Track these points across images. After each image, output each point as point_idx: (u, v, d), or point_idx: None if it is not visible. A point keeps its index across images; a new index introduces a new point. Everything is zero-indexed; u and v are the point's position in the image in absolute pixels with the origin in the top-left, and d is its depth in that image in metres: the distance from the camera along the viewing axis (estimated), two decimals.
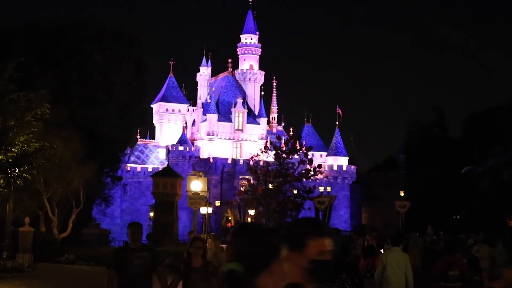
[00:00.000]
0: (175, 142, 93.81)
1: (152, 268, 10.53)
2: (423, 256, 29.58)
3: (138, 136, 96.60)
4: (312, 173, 79.96)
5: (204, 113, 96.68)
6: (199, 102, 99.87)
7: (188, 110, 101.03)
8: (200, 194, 36.36)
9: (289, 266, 3.48)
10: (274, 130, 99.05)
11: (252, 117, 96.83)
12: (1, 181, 28.04)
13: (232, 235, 3.54)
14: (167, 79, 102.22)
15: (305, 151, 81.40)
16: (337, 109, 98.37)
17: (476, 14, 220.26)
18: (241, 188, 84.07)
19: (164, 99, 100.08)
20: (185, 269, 10.57)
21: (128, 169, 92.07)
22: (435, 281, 15.05)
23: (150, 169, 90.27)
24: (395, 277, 14.04)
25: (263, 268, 3.37)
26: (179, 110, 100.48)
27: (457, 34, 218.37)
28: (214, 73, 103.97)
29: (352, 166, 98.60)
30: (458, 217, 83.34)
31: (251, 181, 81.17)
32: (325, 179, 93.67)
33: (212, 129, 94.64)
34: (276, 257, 3.39)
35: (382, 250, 18.64)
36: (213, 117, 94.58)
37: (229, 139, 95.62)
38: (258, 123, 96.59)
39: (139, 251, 10.51)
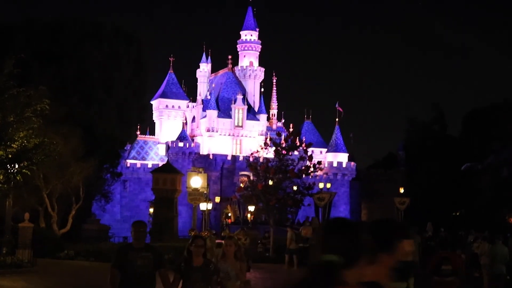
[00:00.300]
0: (175, 139, 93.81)
1: (155, 269, 10.14)
2: (421, 252, 29.67)
3: (138, 133, 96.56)
4: (312, 169, 79.81)
5: (204, 110, 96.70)
6: (199, 98, 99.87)
7: (188, 107, 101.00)
8: (200, 190, 36.45)
9: (377, 266, 3.58)
10: (274, 127, 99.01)
11: (252, 114, 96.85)
12: (1, 177, 28.07)
13: (325, 229, 3.62)
14: (167, 76, 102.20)
15: (305, 148, 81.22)
16: (337, 106, 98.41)
17: (474, 12, 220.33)
18: (241, 185, 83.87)
19: (164, 95, 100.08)
20: (186, 268, 10.30)
21: (128, 165, 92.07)
22: (429, 275, 15.61)
23: (149, 165, 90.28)
24: None
25: (355, 262, 3.48)
26: (179, 107, 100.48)
27: (456, 32, 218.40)
28: (214, 70, 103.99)
29: (352, 163, 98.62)
30: (457, 214, 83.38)
31: (251, 178, 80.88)
32: (325, 175, 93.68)
33: (212, 125, 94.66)
34: (366, 253, 3.50)
35: None
36: (213, 113, 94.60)
37: (229, 135, 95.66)
38: (258, 120, 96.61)
39: (142, 251, 10.09)
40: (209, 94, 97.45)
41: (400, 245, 4.18)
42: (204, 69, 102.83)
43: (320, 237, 3.62)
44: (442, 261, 15.06)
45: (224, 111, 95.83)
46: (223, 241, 30.08)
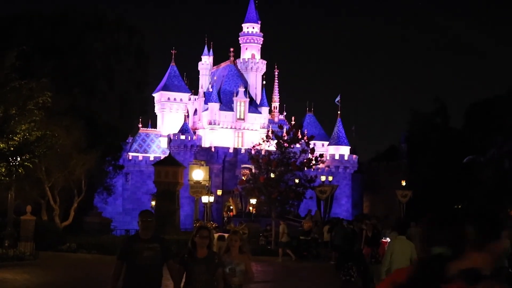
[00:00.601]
0: (176, 131, 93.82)
1: (163, 261, 9.74)
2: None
3: (140, 125, 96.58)
4: (313, 162, 79.84)
5: (205, 102, 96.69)
6: (200, 91, 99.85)
7: (189, 99, 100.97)
8: (202, 183, 36.45)
9: (482, 254, 3.63)
10: (276, 119, 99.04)
11: (253, 106, 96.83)
12: (3, 170, 28.05)
13: (431, 222, 3.67)
14: (169, 68, 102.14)
15: (306, 141, 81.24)
16: (337, 100, 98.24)
17: (477, 3, 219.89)
18: (243, 177, 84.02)
19: (165, 88, 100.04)
20: (189, 260, 9.93)
21: (130, 158, 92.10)
22: None
23: (151, 158, 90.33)
24: (401, 264, 14.37)
25: (461, 253, 3.55)
26: (181, 99, 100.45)
27: (458, 24, 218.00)
28: (215, 62, 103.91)
29: (354, 156, 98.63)
30: (459, 206, 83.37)
31: (253, 170, 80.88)
32: (326, 168, 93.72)
33: (213, 118, 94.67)
34: (471, 243, 3.55)
35: (388, 239, 18.89)
36: (214, 106, 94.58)
37: (231, 128, 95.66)
38: (260, 112, 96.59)
39: (149, 242, 9.66)
40: (211, 87, 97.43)
41: (504, 235, 4.24)
42: (206, 61, 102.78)
43: (426, 230, 3.68)
44: None
45: (226, 104, 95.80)
46: (225, 235, 30.06)
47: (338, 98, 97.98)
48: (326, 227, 35.75)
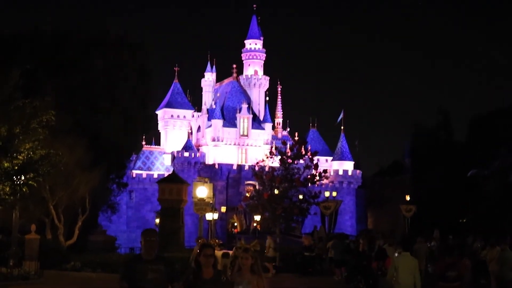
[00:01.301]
0: (180, 148, 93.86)
1: (168, 283, 9.20)
2: (427, 260, 29.52)
3: (144, 143, 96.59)
4: (317, 178, 79.92)
5: (209, 119, 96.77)
6: (204, 107, 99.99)
7: (193, 116, 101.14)
8: (206, 200, 36.34)
9: None
10: (279, 135, 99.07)
11: (257, 123, 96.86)
12: (7, 189, 28.01)
13: None
14: (172, 85, 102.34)
15: (310, 156, 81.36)
16: (341, 115, 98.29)
17: (480, 15, 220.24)
18: (247, 194, 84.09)
19: (169, 105, 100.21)
20: (195, 281, 9.33)
21: (134, 175, 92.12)
22: (435, 281, 16.49)
23: (155, 176, 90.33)
24: (405, 279, 15.20)
25: None
26: (184, 116, 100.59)
27: (461, 36, 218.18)
28: (218, 79, 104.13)
29: (358, 171, 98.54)
30: (464, 220, 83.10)
31: (257, 187, 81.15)
32: (330, 184, 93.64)
33: (217, 134, 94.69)
34: None
35: (396, 254, 19.27)
36: (218, 122, 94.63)
37: (234, 144, 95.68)
38: (263, 129, 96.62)
39: (153, 263, 9.09)
40: (214, 104, 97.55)
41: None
42: (209, 78, 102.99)
43: None
44: (447, 267, 15.86)
45: (229, 120, 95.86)
46: (230, 252, 29.92)
47: (340, 117, 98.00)
48: (330, 242, 35.66)
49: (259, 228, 76.08)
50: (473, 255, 28.75)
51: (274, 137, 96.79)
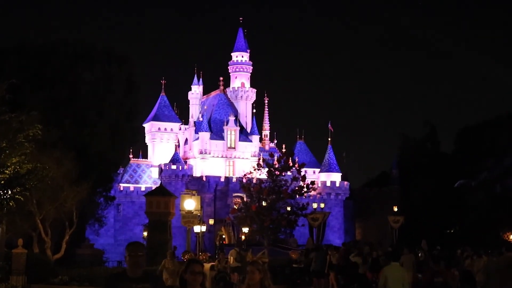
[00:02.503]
0: (167, 161, 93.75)
1: None
2: (414, 270, 29.71)
3: (131, 156, 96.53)
4: (305, 189, 79.95)
5: (196, 132, 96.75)
6: (191, 120, 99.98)
7: (180, 129, 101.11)
8: (194, 213, 36.40)
9: None
10: (267, 147, 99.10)
11: (244, 135, 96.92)
12: None
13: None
14: (159, 98, 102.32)
15: (298, 168, 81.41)
16: (329, 126, 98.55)
17: (467, 28, 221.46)
18: (235, 206, 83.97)
19: (156, 118, 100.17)
20: None
21: (121, 188, 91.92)
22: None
23: (143, 189, 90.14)
24: None
25: None
26: (171, 129, 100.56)
27: (448, 48, 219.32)
28: (205, 91, 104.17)
29: (345, 182, 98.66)
30: (452, 231, 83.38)
31: (245, 199, 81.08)
32: (318, 195, 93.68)
33: (204, 147, 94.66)
34: None
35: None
36: (205, 135, 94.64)
37: (222, 157, 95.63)
38: (251, 141, 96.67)
39: (139, 281, 7.76)
40: (201, 116, 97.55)
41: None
42: (196, 91, 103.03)
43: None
44: (434, 274, 16.33)
45: (217, 133, 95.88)
46: (214, 263, 29.64)
47: (329, 125, 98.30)
48: (313, 254, 36.07)
49: (244, 240, 75.95)
50: (461, 266, 28.89)
51: (262, 149, 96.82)
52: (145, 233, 62.78)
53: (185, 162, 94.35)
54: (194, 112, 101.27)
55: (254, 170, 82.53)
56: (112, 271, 36.55)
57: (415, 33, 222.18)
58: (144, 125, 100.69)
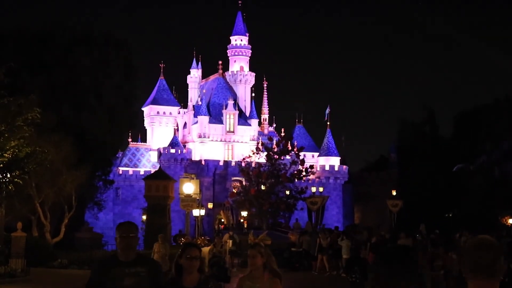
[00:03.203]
0: (166, 145, 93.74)
1: None
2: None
3: (130, 139, 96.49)
4: (304, 173, 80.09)
5: (195, 115, 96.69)
6: (190, 104, 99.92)
7: (179, 113, 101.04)
8: (193, 197, 36.37)
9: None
10: (266, 131, 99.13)
11: (243, 119, 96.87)
12: None
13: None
14: (158, 82, 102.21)
15: (296, 152, 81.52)
16: (327, 110, 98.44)
17: (466, 15, 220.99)
18: (234, 190, 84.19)
19: (155, 102, 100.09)
20: None
21: (120, 172, 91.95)
22: (423, 271, 17.23)
23: (142, 172, 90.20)
24: None
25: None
26: (170, 113, 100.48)
27: (445, 32, 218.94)
28: (204, 75, 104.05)
29: (344, 166, 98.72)
30: (450, 215, 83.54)
31: (244, 183, 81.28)
32: (317, 179, 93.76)
33: (203, 131, 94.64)
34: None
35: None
36: (204, 119, 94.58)
37: (221, 141, 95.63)
38: (250, 125, 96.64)
39: (131, 265, 7.09)
40: (200, 100, 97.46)
41: None
42: (194, 74, 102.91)
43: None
44: (433, 257, 16.45)
45: (216, 117, 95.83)
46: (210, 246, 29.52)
47: (327, 110, 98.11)
48: (306, 236, 36.92)
49: (245, 224, 76.17)
50: (459, 249, 28.96)
51: (261, 133, 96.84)
52: (144, 217, 62.92)
53: (184, 146, 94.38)
54: (193, 96, 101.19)
55: (253, 154, 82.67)
56: (100, 258, 36.65)
57: (413, 17, 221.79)
58: (143, 108, 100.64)
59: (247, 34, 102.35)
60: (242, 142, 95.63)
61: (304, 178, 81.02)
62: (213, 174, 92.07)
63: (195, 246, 7.56)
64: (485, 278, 4.01)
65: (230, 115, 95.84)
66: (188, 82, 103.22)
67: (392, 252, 6.76)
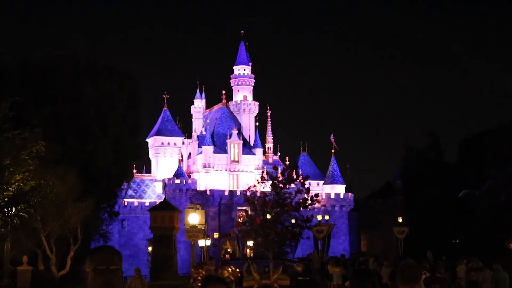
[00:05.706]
0: (171, 176, 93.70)
1: None
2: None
3: (134, 171, 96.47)
4: (309, 202, 79.78)
5: (199, 146, 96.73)
6: (194, 134, 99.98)
7: (183, 143, 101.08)
8: (198, 227, 36.28)
9: None
10: (270, 160, 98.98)
11: (247, 148, 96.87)
12: None
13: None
14: (162, 113, 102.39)
15: (301, 180, 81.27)
16: (331, 138, 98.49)
17: (472, 37, 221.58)
18: (239, 219, 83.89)
19: (159, 133, 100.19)
20: None
21: (125, 204, 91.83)
22: None
23: (147, 204, 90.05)
24: None
25: None
26: (175, 143, 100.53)
27: (450, 57, 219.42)
28: (208, 105, 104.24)
29: (350, 194, 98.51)
30: (457, 241, 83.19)
31: (249, 212, 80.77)
32: (322, 207, 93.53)
33: (208, 161, 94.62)
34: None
35: None
36: (208, 149, 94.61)
37: (226, 170, 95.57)
38: (254, 154, 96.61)
39: None
40: (204, 130, 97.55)
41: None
42: (198, 105, 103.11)
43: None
44: (433, 281, 16.81)
45: (220, 147, 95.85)
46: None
47: (331, 137, 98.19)
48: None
49: (249, 254, 75.84)
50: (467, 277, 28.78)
51: (265, 162, 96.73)
52: (150, 248, 62.74)
53: (189, 176, 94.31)
54: (197, 126, 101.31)
55: (258, 183, 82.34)
56: None
57: (417, 40, 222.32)
58: (147, 140, 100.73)
59: (250, 64, 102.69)
60: (246, 171, 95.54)
61: (309, 206, 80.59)
62: (218, 204, 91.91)
63: (219, 282, 5.50)
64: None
65: (234, 145, 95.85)
66: (192, 112, 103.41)
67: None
